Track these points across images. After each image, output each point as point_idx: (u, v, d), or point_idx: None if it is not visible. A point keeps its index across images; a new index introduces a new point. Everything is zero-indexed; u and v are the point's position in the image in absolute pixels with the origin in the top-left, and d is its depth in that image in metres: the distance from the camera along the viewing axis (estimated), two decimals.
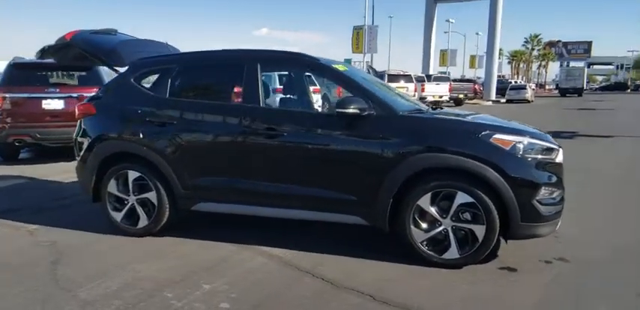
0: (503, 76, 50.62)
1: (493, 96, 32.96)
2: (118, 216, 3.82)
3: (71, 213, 4.56)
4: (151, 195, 3.70)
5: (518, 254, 3.41)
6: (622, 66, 78.84)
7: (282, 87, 13.01)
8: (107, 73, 7.82)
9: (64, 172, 6.46)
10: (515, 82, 41.04)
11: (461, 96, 25.79)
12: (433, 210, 3.13)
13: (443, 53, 43.61)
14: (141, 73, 3.87)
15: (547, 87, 67.74)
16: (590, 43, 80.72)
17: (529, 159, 3.06)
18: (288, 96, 4.34)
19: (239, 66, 3.59)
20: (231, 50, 3.76)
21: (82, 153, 3.90)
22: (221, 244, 3.64)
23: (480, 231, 3.07)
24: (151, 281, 2.99)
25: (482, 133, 3.08)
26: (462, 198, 3.06)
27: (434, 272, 3.11)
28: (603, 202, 5.00)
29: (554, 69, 78.21)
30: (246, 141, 3.43)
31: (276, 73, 14.09)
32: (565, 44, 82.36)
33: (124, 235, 3.81)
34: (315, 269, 3.18)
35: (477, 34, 48.43)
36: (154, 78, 3.88)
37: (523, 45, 63.31)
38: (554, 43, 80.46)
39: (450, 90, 23.43)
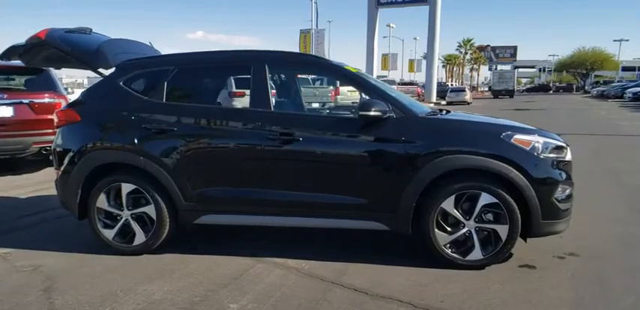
0: (439, 79, 52.84)
1: (434, 99, 34.23)
2: (109, 234, 3.46)
3: (43, 233, 4.10)
4: (149, 209, 3.39)
5: (530, 252, 3.46)
6: (544, 69, 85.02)
7: (240, 90, 12.78)
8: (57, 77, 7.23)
9: (17, 187, 5.87)
10: (452, 85, 42.96)
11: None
12: (457, 212, 3.11)
13: (384, 57, 44.77)
14: (131, 76, 3.53)
15: (479, 89, 71.49)
16: (515, 48, 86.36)
17: (546, 158, 3.12)
18: (282, 99, 4.17)
19: (245, 67, 3.39)
20: (237, 51, 3.54)
21: (63, 165, 3.50)
22: (229, 258, 3.40)
23: (503, 230, 3.08)
24: (169, 304, 2.72)
25: (504, 134, 3.11)
26: (485, 198, 3.06)
27: (460, 275, 3.08)
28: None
29: (483, 72, 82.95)
30: (257, 147, 3.23)
31: (231, 77, 13.80)
32: (493, 48, 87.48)
33: (117, 254, 3.47)
34: (340, 279, 3.05)
35: (415, 38, 50.26)
36: (142, 81, 3.56)
37: (456, 49, 66.49)
38: (484, 48, 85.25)
39: None
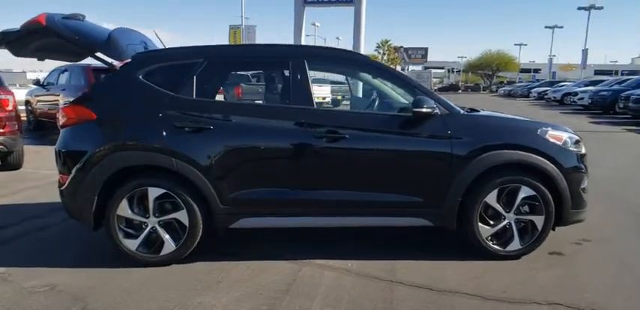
0: None
1: None
2: (132, 244, 3.12)
3: (35, 245, 3.60)
4: (180, 215, 3.11)
5: (550, 241, 3.70)
6: (452, 70, 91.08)
7: None
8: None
9: None
10: None
11: (339, 97, 27.00)
12: (499, 206, 3.23)
13: None
14: (152, 69, 3.19)
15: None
16: (426, 49, 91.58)
17: (574, 151, 3.35)
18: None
19: (283, 63, 3.22)
20: (273, 45, 3.34)
21: (74, 170, 3.09)
22: (269, 263, 3.23)
23: (539, 221, 3.26)
24: None
25: (540, 130, 3.29)
26: (525, 191, 3.22)
27: (503, 265, 3.21)
28: None
29: None
30: (302, 146, 3.10)
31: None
32: (406, 49, 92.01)
33: (140, 266, 3.14)
34: (395, 276, 3.03)
35: (338, 38, 51.11)
36: (165, 75, 3.24)
37: (375, 50, 68.76)
38: (398, 49, 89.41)
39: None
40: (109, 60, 3.25)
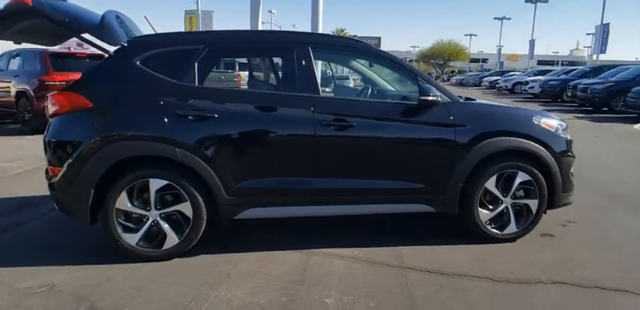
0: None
1: None
2: (132, 239, 2.98)
3: (20, 242, 3.38)
4: (184, 207, 2.99)
5: (539, 223, 3.87)
6: (405, 59, 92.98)
7: None
8: None
9: None
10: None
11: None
12: (497, 191, 3.34)
13: None
14: (150, 55, 3.01)
15: (352, 77, 75.15)
16: (379, 39, 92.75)
17: (563, 137, 3.50)
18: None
19: (287, 50, 3.13)
20: (276, 31, 3.24)
21: (68, 161, 2.89)
22: (275, 254, 3.19)
23: (534, 205, 3.41)
24: (260, 308, 2.48)
25: (534, 117, 3.41)
26: (521, 176, 3.34)
27: (503, 248, 3.33)
28: None
29: None
30: (309, 134, 3.05)
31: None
32: (360, 39, 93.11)
33: (141, 261, 3.00)
34: (404, 262, 3.08)
35: (294, 26, 50.52)
36: (164, 61, 3.07)
37: None
38: (352, 38, 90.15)
39: None
40: (99, 43, 3.02)
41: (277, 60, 3.28)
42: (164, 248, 3.02)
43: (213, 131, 2.97)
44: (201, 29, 24.89)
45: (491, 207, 3.37)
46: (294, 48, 3.13)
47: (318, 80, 3.13)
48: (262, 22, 46.37)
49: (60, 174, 2.92)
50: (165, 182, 2.95)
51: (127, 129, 2.91)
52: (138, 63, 2.99)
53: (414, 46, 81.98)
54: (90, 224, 2.98)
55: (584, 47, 66.21)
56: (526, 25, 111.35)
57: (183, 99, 2.96)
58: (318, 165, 3.13)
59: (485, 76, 36.02)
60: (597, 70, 18.24)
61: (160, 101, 2.92)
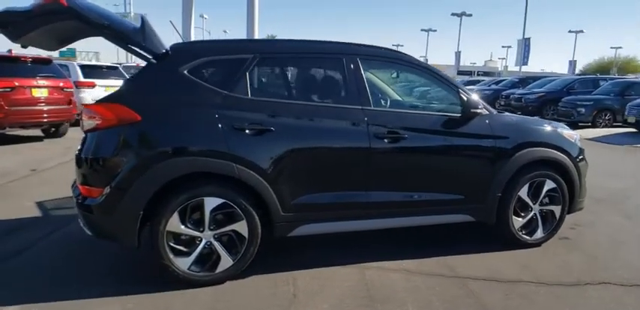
0: None
1: None
2: (184, 263, 2.75)
3: (44, 267, 2.97)
4: (239, 226, 2.83)
5: None
6: None
7: (90, 81, 10.81)
8: None
9: None
10: None
11: None
12: (528, 199, 3.53)
13: None
14: (198, 64, 2.81)
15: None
16: None
17: (580, 146, 3.78)
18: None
19: (337, 60, 3.08)
20: (325, 41, 3.14)
21: (115, 181, 2.61)
22: (325, 270, 3.10)
23: (557, 210, 3.64)
24: None
25: (558, 129, 3.65)
26: (548, 184, 3.56)
27: (534, 252, 3.52)
28: None
29: None
30: (363, 147, 3.02)
31: (75, 63, 11.54)
32: None
33: (191, 287, 2.78)
34: (457, 272, 3.14)
35: (225, 31, 49.66)
36: (213, 71, 2.89)
37: None
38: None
39: None
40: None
41: (326, 70, 3.21)
42: (218, 271, 2.83)
43: (270, 145, 2.84)
44: None
45: (522, 214, 3.54)
46: (344, 58, 3.09)
47: (369, 92, 3.12)
48: (195, 27, 45.08)
49: (103, 195, 2.63)
50: (221, 200, 2.76)
51: (183, 145, 2.70)
52: (185, 72, 2.79)
53: None
54: (137, 247, 2.72)
55: (499, 59, 71.59)
56: (450, 36, 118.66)
57: (238, 111, 2.80)
58: (371, 178, 3.10)
59: (416, 87, 37.65)
60: (524, 80, 19.93)
61: (214, 114, 2.74)
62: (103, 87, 10.85)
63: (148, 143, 2.67)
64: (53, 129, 8.72)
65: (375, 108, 3.11)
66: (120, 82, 11.47)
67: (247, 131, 2.78)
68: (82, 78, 10.62)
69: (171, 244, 2.73)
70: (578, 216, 4.38)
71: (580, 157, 3.71)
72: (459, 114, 3.28)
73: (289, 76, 3.23)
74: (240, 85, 2.86)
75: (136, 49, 2.75)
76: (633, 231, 4.16)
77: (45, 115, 8.06)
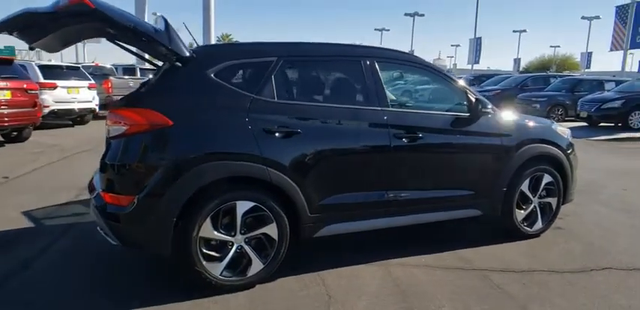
0: None
1: None
2: (216, 269, 2.72)
3: (67, 274, 2.81)
4: (269, 229, 2.83)
5: None
6: None
7: (51, 81, 10.25)
8: None
9: None
10: None
11: None
12: (529, 192, 3.74)
13: None
14: (224, 67, 2.76)
15: None
16: None
17: (570, 141, 4.04)
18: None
19: (356, 62, 3.12)
20: (344, 44, 3.18)
21: (147, 188, 2.53)
22: (349, 269, 3.16)
23: (554, 202, 3.88)
24: None
25: (552, 126, 3.89)
26: (546, 178, 3.78)
27: (535, 243, 3.74)
28: None
29: None
30: (385, 147, 3.10)
31: (34, 63, 10.89)
32: None
33: (222, 293, 2.75)
34: (475, 264, 3.28)
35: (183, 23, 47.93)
36: (239, 74, 2.86)
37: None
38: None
39: None
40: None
41: (346, 72, 3.26)
42: (249, 275, 2.81)
43: (299, 147, 2.85)
44: None
45: (524, 207, 3.75)
46: (362, 61, 3.15)
47: (387, 93, 3.20)
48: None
49: (135, 203, 2.54)
50: (253, 204, 2.75)
51: (216, 149, 2.66)
52: (212, 75, 2.75)
53: None
54: (170, 255, 2.65)
55: (447, 57, 73.96)
56: (403, 36, 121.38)
57: (267, 114, 2.79)
58: (392, 177, 3.19)
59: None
60: (478, 78, 20.80)
61: (244, 117, 2.72)
62: (65, 89, 10.32)
63: (181, 148, 2.61)
64: (15, 133, 8.20)
65: (393, 109, 3.20)
66: (83, 83, 11.12)
67: (277, 134, 2.78)
68: (42, 79, 10.03)
69: (204, 250, 2.69)
70: (564, 207, 4.69)
71: (572, 152, 3.97)
72: (468, 114, 3.43)
73: (312, 78, 3.24)
74: (266, 88, 2.85)
75: (161, 50, 2.66)
76: (617, 218, 4.49)
77: (6, 119, 7.57)
